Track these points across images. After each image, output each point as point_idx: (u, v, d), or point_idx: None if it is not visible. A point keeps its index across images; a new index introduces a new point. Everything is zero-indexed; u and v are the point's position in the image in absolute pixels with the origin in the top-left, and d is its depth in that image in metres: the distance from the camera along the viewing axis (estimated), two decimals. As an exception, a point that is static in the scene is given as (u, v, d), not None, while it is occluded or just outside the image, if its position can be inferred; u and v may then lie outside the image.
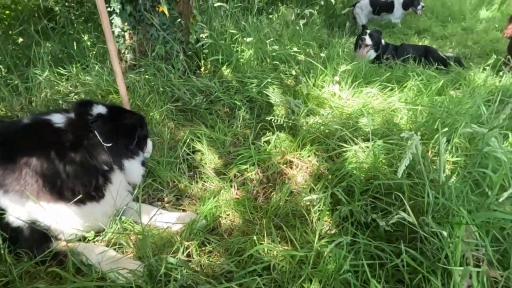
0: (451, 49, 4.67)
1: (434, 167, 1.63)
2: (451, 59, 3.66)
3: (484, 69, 3.28)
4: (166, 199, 1.91)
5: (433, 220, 1.27)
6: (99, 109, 1.63)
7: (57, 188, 1.36)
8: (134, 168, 1.72)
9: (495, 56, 2.99)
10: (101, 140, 1.51)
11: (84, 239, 1.52)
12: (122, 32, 3.13)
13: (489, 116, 2.03)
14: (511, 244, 1.23)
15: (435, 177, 1.59)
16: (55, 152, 1.37)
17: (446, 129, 2.03)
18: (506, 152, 1.25)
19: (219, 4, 3.12)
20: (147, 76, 2.83)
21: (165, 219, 1.67)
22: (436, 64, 3.51)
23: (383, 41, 4.16)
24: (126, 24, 3.07)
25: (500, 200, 1.14)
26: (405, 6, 5.11)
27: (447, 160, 1.91)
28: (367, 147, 1.92)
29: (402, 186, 1.55)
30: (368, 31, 4.03)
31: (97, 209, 1.51)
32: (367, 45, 4.01)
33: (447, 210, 1.37)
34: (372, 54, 4.08)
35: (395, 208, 1.55)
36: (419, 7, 5.02)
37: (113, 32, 3.00)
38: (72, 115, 1.55)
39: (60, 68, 2.89)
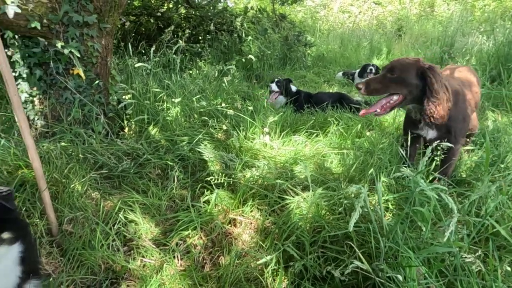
0: (356, 94, 5.26)
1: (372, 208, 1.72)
2: (362, 103, 4.12)
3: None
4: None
5: (386, 265, 1.31)
6: None
7: None
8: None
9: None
10: None
11: None
12: (30, 98, 2.83)
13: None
14: (455, 276, 1.32)
15: (375, 218, 1.67)
16: None
17: (372, 170, 2.19)
18: (433, 190, 1.38)
19: (139, 64, 3.06)
20: (63, 144, 2.55)
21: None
22: (350, 108, 3.89)
23: (294, 88, 4.52)
24: (35, 89, 2.80)
25: (446, 234, 1.22)
26: (360, 75, 6.03)
27: (380, 199, 2.04)
28: (308, 196, 1.96)
29: (349, 234, 1.58)
30: (276, 79, 4.38)
31: None
32: (274, 92, 4.35)
33: (393, 251, 1.43)
34: (282, 99, 4.40)
35: (346, 256, 1.57)
36: (368, 71, 5.90)
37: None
38: None
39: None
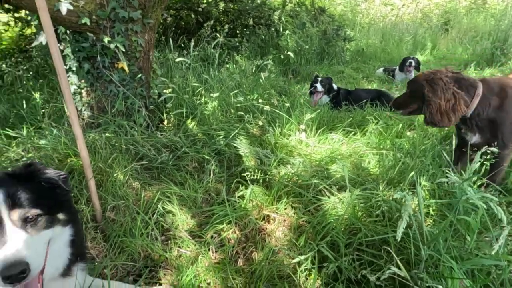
0: (397, 91, 5.06)
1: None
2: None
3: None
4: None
5: (426, 274, 1.26)
6: None
7: None
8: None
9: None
10: None
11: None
12: (79, 90, 3.00)
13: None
14: (502, 291, 1.24)
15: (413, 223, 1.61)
16: None
17: (412, 173, 2.10)
18: (482, 199, 1.31)
19: (180, 59, 3.13)
20: (108, 134, 2.68)
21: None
22: (389, 106, 3.75)
23: (334, 86, 4.42)
24: (83, 81, 2.96)
25: (495, 247, 1.16)
26: (400, 69, 5.78)
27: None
28: (344, 197, 1.93)
29: (386, 238, 1.54)
30: (319, 78, 4.28)
31: None
32: (319, 92, 4.25)
33: (434, 260, 1.37)
34: (326, 98, 4.32)
35: (383, 261, 1.53)
36: (407, 64, 5.62)
37: (69, 90, 2.87)
38: None
39: (8, 130, 2.65)
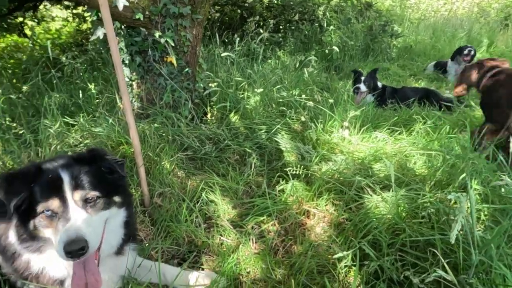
0: (447, 90, 4.80)
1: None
2: (454, 100, 3.74)
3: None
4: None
5: (478, 280, 1.21)
6: None
7: None
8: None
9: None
10: None
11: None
12: (130, 82, 3.17)
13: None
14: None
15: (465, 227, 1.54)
16: None
17: (463, 174, 2.00)
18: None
19: (226, 54, 3.20)
20: (156, 125, 2.82)
21: (184, 281, 1.57)
22: (439, 106, 3.58)
23: (379, 84, 4.26)
24: (134, 74, 3.12)
25: None
26: (452, 58, 5.48)
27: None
28: (388, 196, 1.88)
29: (432, 241, 1.49)
30: (362, 78, 4.12)
31: None
32: (362, 92, 4.12)
33: (485, 266, 1.31)
34: (370, 98, 4.18)
35: (428, 263, 1.48)
36: (466, 52, 5.28)
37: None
38: None
39: (67, 117, 2.88)
